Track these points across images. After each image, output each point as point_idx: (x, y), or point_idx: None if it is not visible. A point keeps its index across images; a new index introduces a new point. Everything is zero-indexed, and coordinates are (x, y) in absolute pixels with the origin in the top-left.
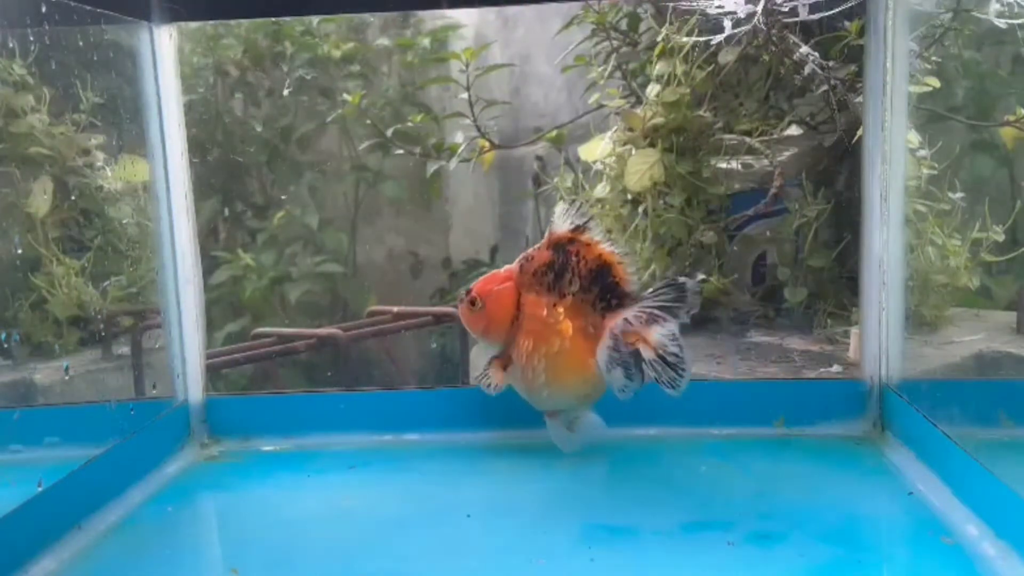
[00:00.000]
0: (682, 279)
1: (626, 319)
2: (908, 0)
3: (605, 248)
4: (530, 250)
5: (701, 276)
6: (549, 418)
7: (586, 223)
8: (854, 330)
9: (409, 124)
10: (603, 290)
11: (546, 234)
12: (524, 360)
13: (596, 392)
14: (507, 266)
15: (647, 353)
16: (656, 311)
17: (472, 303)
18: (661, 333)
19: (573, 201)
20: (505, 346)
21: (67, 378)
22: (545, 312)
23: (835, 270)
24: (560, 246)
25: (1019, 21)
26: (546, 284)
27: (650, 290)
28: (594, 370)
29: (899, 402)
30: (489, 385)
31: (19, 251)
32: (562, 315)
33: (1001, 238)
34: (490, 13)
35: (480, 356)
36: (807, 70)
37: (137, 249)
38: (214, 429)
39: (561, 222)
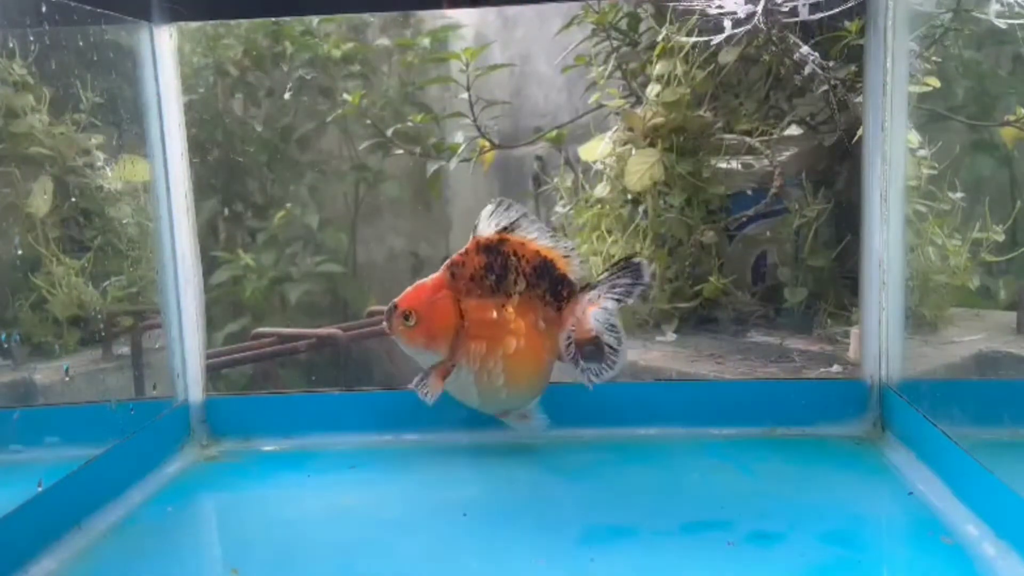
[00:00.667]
0: (636, 259)
1: (604, 308)
2: (908, 0)
3: (542, 244)
4: (455, 256)
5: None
6: (503, 417)
7: (514, 223)
8: (854, 330)
9: (409, 124)
10: (552, 283)
11: (471, 238)
12: (478, 364)
13: (546, 384)
14: (432, 275)
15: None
16: (618, 293)
17: (406, 317)
18: (597, 318)
19: (500, 202)
20: (448, 356)
21: (67, 380)
22: (495, 314)
23: (835, 270)
24: (492, 248)
25: (1019, 21)
26: (488, 287)
27: (605, 273)
28: (547, 364)
29: (899, 402)
30: (427, 394)
31: (19, 251)
32: (513, 315)
33: (1001, 238)
34: (490, 13)
35: None
36: (807, 70)
37: (137, 249)
38: (214, 429)
39: (486, 225)
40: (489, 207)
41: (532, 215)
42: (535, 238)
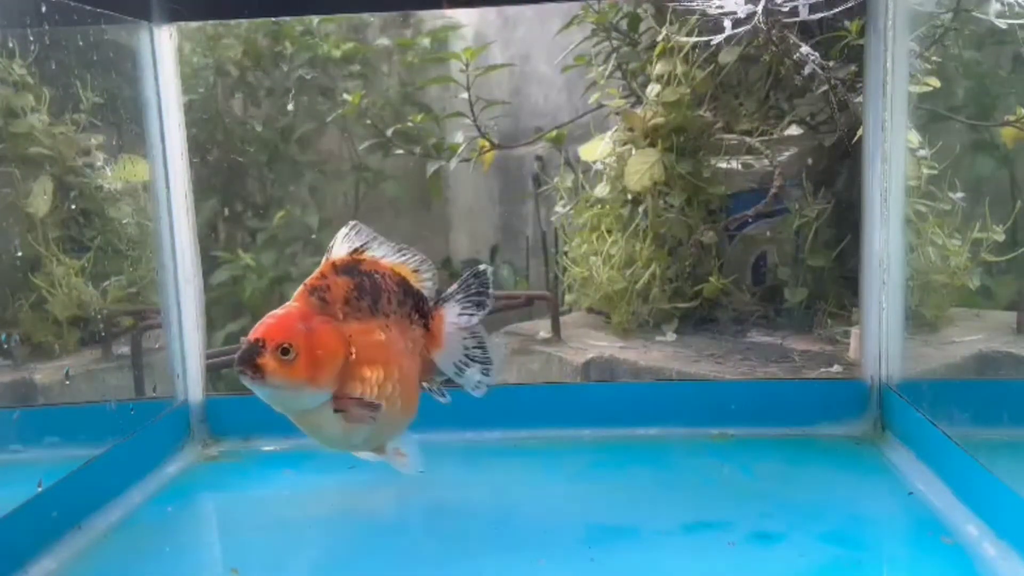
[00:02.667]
0: (481, 266)
1: (466, 316)
2: (908, 0)
3: (391, 261)
4: (311, 281)
5: (485, 265)
6: (377, 453)
7: (365, 244)
8: (854, 330)
9: (409, 124)
10: (416, 301)
11: (324, 260)
12: (376, 393)
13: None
14: (286, 305)
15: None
16: (471, 304)
17: (284, 352)
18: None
19: (354, 226)
20: (337, 389)
21: (67, 383)
22: (383, 336)
23: (835, 270)
24: (351, 269)
25: (1019, 21)
26: (366, 308)
27: (455, 285)
28: (419, 388)
29: (899, 402)
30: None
31: (19, 252)
32: (396, 335)
33: (1001, 238)
34: (490, 13)
35: None
36: (807, 70)
37: (137, 249)
38: (214, 429)
39: (339, 246)
40: (344, 230)
41: (381, 237)
42: (385, 255)
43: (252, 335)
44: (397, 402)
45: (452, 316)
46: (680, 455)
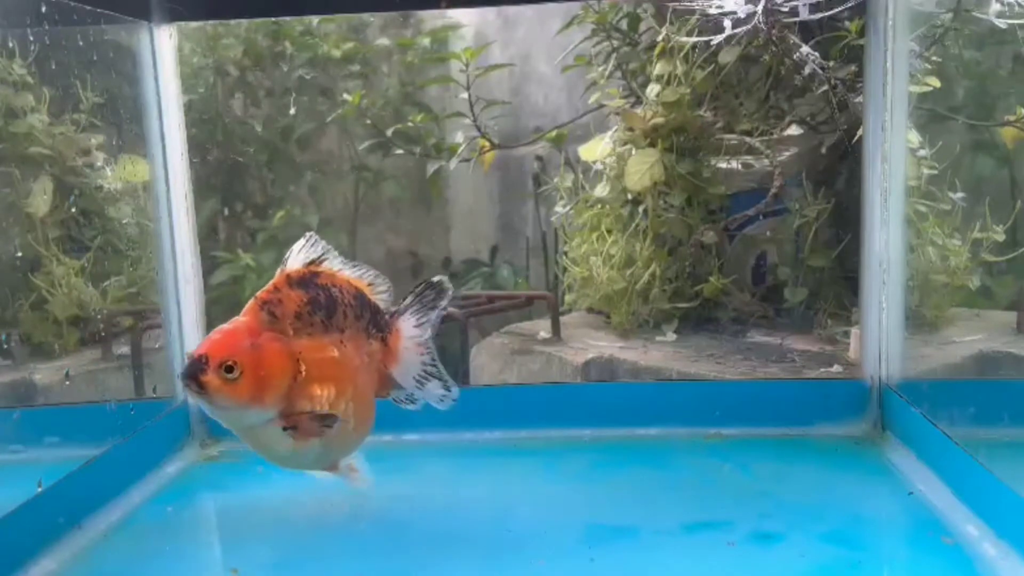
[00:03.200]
0: (436, 278)
1: (422, 328)
2: (908, 0)
3: (348, 274)
4: (262, 294)
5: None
6: (330, 471)
7: (321, 257)
8: (854, 330)
9: (409, 124)
10: (373, 315)
11: (279, 272)
12: (335, 408)
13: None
14: (236, 319)
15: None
16: (427, 316)
17: (228, 369)
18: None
19: (309, 238)
20: (283, 408)
21: (67, 384)
22: (336, 352)
23: (835, 270)
24: (306, 282)
25: (1019, 21)
26: (319, 324)
27: (410, 298)
28: (375, 404)
29: (899, 402)
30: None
31: (19, 252)
32: (351, 351)
33: (1001, 238)
34: (490, 13)
35: (480, 355)
36: (807, 70)
37: (137, 249)
38: (213, 429)
39: (295, 258)
40: (300, 242)
41: (335, 251)
42: (340, 269)
43: (197, 350)
44: (351, 419)
45: (408, 329)
46: (680, 455)
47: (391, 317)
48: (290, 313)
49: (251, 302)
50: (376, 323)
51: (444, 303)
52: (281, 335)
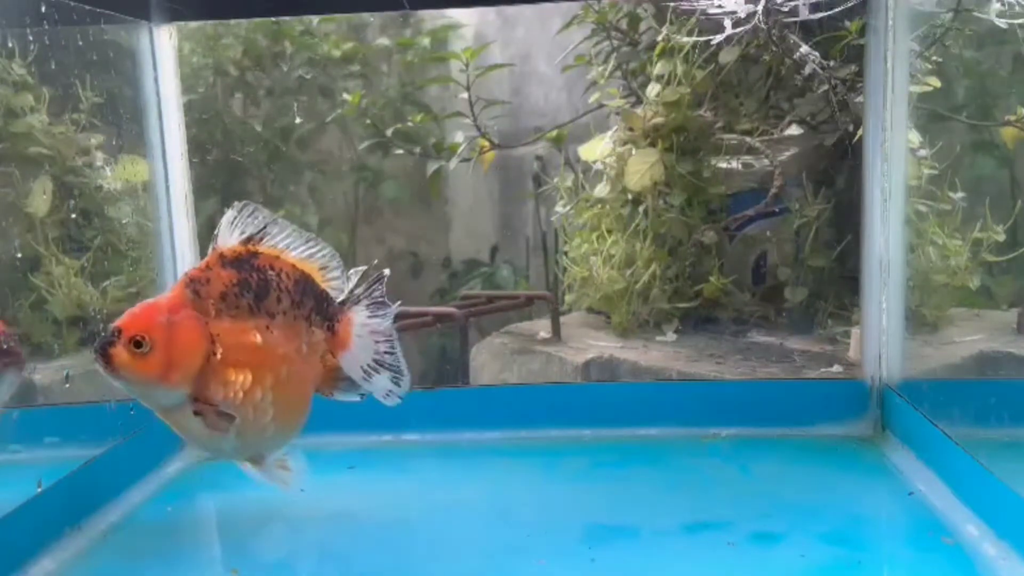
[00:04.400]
0: (386, 271)
1: (378, 318)
2: (908, 0)
3: (297, 255)
4: (193, 271)
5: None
6: (255, 465)
7: (262, 231)
8: (854, 330)
9: (409, 124)
10: (317, 301)
11: (210, 249)
12: (240, 399)
13: (306, 421)
14: (162, 295)
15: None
16: (379, 305)
17: (138, 344)
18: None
19: (244, 207)
20: (193, 390)
21: (67, 386)
22: (258, 338)
23: (835, 270)
24: (242, 262)
25: (1020, 21)
26: (246, 307)
27: (362, 288)
28: (310, 396)
29: (899, 402)
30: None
31: (18, 252)
32: (280, 338)
33: (1002, 238)
34: (490, 13)
35: (480, 355)
36: (807, 70)
37: (137, 249)
38: None
39: (228, 233)
40: (230, 212)
41: (282, 220)
42: (289, 246)
43: (115, 322)
44: (269, 411)
45: (362, 318)
46: (680, 455)
47: (342, 305)
48: (215, 293)
49: (181, 278)
50: (321, 311)
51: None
52: (201, 314)
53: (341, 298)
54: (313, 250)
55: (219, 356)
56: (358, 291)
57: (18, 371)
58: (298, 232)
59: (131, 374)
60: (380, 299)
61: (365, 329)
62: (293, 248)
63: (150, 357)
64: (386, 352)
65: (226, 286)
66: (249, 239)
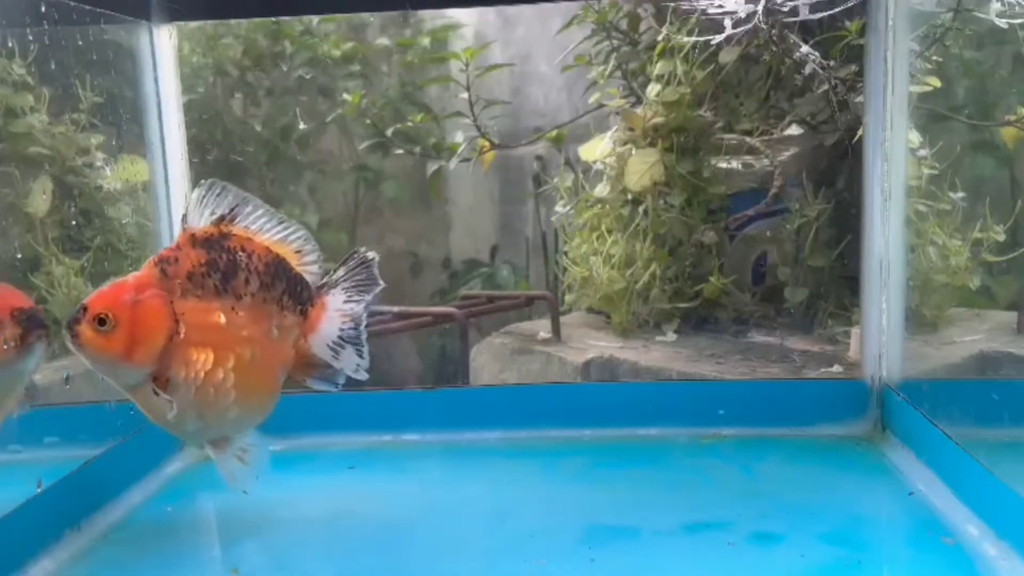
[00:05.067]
0: (370, 254)
1: (353, 304)
2: (908, 0)
3: (270, 236)
4: (164, 251)
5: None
6: (216, 449)
7: (233, 211)
8: (854, 330)
9: (409, 124)
10: (289, 284)
11: (180, 230)
12: (201, 379)
13: (274, 406)
14: (132, 273)
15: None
16: (358, 291)
17: (101, 322)
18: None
19: (212, 185)
20: (155, 370)
21: (67, 388)
22: (222, 319)
23: (835, 270)
24: (212, 243)
25: (1020, 21)
26: (212, 287)
27: (342, 271)
28: (279, 381)
29: (899, 402)
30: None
31: (18, 252)
32: (246, 320)
33: (1002, 238)
34: (490, 13)
35: (480, 355)
36: (808, 70)
37: (137, 249)
38: None
39: (197, 214)
40: (198, 191)
41: (255, 199)
42: (261, 228)
43: (84, 299)
44: (231, 392)
45: (337, 303)
46: (680, 455)
47: (318, 290)
48: (183, 272)
49: (151, 258)
50: (294, 295)
51: (374, 280)
52: (167, 293)
53: (321, 283)
54: (286, 233)
55: (182, 335)
56: (337, 275)
57: (46, 344)
58: (270, 213)
59: (94, 351)
60: (363, 283)
61: (337, 313)
62: (266, 230)
63: (113, 335)
64: (350, 328)
65: (194, 266)
66: (221, 219)
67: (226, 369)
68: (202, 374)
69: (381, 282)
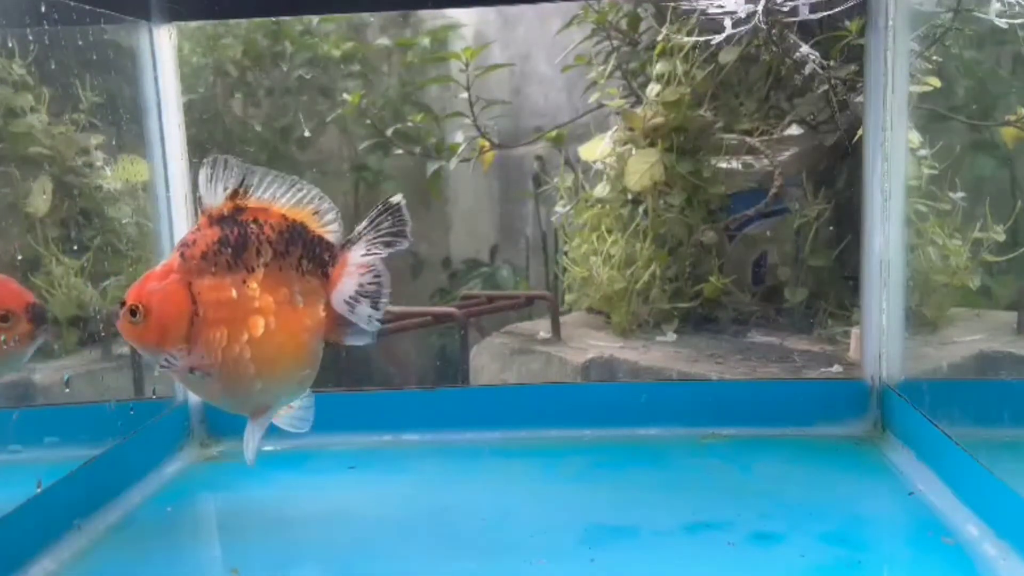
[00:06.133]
0: (394, 199)
1: (372, 256)
2: (908, 0)
3: (285, 203)
4: (186, 236)
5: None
6: (253, 419)
7: (244, 183)
8: (854, 330)
9: (409, 124)
10: (306, 248)
11: (200, 212)
12: (220, 356)
13: (314, 369)
14: (162, 261)
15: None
16: (382, 244)
17: (133, 313)
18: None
19: (215, 162)
20: (188, 350)
21: (67, 390)
22: (234, 293)
23: (835, 270)
24: (227, 219)
25: (1020, 21)
26: (224, 263)
27: (365, 222)
28: (310, 345)
29: (899, 402)
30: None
31: (18, 252)
32: (257, 290)
33: (1002, 238)
34: (490, 13)
35: (480, 355)
36: (807, 70)
37: (137, 249)
38: (213, 429)
39: (211, 193)
40: (205, 170)
41: (260, 168)
42: (274, 195)
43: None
44: (249, 365)
45: (356, 256)
46: (680, 455)
47: (340, 248)
48: (198, 253)
49: (179, 242)
50: (313, 258)
51: (403, 225)
52: (186, 276)
53: (345, 239)
54: (300, 195)
55: (202, 316)
56: (360, 228)
57: (52, 338)
58: (281, 178)
59: (135, 341)
60: (385, 233)
61: (355, 267)
62: (280, 197)
63: (146, 324)
64: (369, 283)
65: (208, 245)
66: (235, 193)
67: (241, 343)
68: (219, 350)
69: (409, 227)
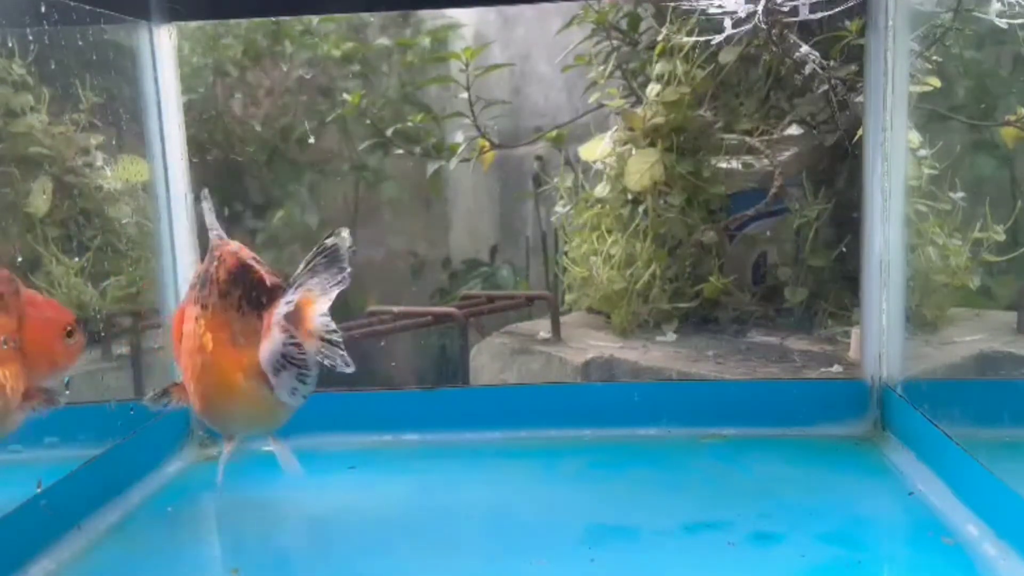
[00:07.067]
0: (329, 240)
1: (286, 302)
2: (908, 0)
3: (238, 245)
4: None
5: (344, 230)
6: (226, 445)
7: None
8: (854, 330)
9: (409, 124)
10: (247, 290)
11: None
12: (187, 383)
13: (266, 415)
14: None
15: (312, 345)
16: (316, 284)
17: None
18: (318, 316)
19: (204, 194)
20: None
21: (67, 392)
22: (192, 327)
23: (835, 270)
24: (213, 251)
25: (1020, 21)
26: (194, 296)
27: (300, 267)
28: (248, 387)
29: (899, 402)
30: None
31: (18, 252)
32: (203, 327)
33: (1002, 238)
34: (490, 13)
35: (480, 355)
36: (807, 70)
37: (137, 249)
38: (213, 429)
39: (211, 222)
40: (205, 203)
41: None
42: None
43: None
44: (197, 399)
45: (281, 308)
46: (680, 455)
47: (278, 290)
48: (193, 283)
49: None
50: (251, 300)
51: (340, 263)
52: (183, 305)
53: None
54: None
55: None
56: (296, 273)
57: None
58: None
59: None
60: (326, 278)
61: (276, 318)
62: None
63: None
64: (291, 343)
65: (196, 277)
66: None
67: (191, 376)
68: (186, 380)
69: (347, 272)
